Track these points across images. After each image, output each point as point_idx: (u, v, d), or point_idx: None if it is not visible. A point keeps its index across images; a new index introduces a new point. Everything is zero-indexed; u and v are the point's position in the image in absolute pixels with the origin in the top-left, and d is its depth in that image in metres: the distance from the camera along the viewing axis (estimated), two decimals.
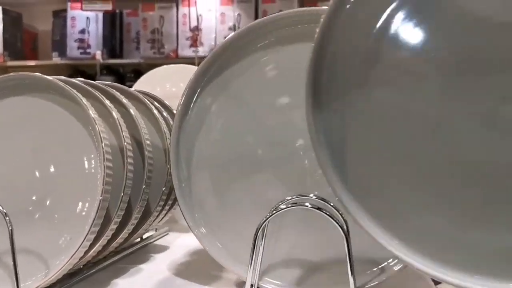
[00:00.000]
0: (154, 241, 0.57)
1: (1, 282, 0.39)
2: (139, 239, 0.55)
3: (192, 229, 0.42)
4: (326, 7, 0.42)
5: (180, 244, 0.56)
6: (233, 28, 2.62)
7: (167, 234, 0.60)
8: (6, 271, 0.39)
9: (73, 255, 0.38)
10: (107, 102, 0.46)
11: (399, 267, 0.40)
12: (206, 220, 0.43)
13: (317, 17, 0.42)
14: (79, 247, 0.38)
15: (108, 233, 0.43)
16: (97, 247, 0.42)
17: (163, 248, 0.55)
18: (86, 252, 0.40)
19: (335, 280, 0.40)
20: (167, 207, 0.53)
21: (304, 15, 0.43)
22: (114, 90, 0.50)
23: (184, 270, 0.48)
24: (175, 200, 0.53)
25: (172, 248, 0.55)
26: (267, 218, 0.38)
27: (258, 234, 0.38)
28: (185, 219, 0.43)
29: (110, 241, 0.44)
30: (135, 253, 0.53)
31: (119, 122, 0.44)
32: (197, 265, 0.49)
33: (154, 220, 0.52)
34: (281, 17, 0.43)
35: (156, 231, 0.59)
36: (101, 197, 0.39)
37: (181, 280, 0.44)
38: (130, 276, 0.46)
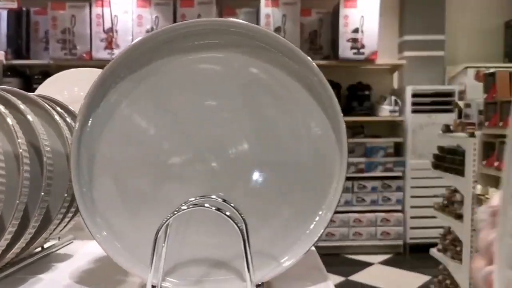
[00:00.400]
0: (57, 250, 0.55)
1: None
2: (40, 249, 0.53)
3: (93, 234, 0.42)
4: (237, 20, 0.44)
5: (84, 252, 0.55)
6: (151, 30, 2.59)
7: (72, 242, 0.59)
8: None
9: None
10: (1, 107, 0.44)
11: (294, 261, 0.43)
12: (108, 224, 0.43)
13: (228, 27, 0.44)
14: None
15: (2, 243, 0.41)
16: None
17: (66, 257, 0.53)
18: None
19: (235, 274, 0.43)
20: (70, 214, 0.52)
21: (218, 24, 0.44)
22: (11, 95, 0.48)
23: (87, 277, 0.47)
24: None
25: (76, 256, 0.54)
26: (168, 219, 0.39)
27: (159, 235, 0.39)
28: (85, 224, 0.42)
29: (5, 251, 0.43)
30: (36, 263, 0.51)
31: (14, 129, 0.43)
32: (101, 272, 0.49)
33: (55, 228, 0.51)
34: (196, 24, 0.43)
35: (59, 239, 0.57)
36: None
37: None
38: (28, 286, 0.44)
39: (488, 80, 2.14)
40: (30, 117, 0.47)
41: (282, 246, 0.44)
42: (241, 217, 0.41)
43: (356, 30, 2.71)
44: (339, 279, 2.40)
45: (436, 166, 2.62)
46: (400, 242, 2.83)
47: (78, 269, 0.49)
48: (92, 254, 0.53)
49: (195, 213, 0.43)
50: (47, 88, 0.87)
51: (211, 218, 0.44)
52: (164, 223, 0.38)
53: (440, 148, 2.59)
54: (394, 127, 3.00)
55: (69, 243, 0.58)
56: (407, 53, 2.97)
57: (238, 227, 0.39)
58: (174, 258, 0.43)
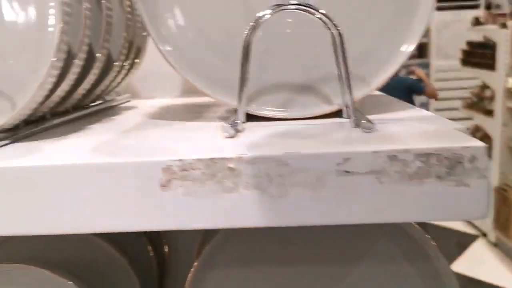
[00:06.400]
0: (118, 104, 0.54)
1: None
2: (101, 101, 0.52)
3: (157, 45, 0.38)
4: None
5: (147, 104, 0.54)
6: None
7: (129, 101, 0.58)
8: None
9: (37, 92, 0.35)
10: None
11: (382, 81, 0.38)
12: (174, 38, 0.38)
13: None
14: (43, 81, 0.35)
15: (71, 77, 0.39)
16: (59, 92, 0.39)
17: (129, 108, 0.52)
18: (51, 91, 0.37)
19: (321, 99, 0.39)
20: (129, 61, 0.50)
21: None
22: None
23: (160, 113, 0.45)
24: (138, 54, 0.50)
25: (140, 108, 0.52)
26: (251, 30, 0.34)
27: (244, 50, 0.34)
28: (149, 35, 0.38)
29: (74, 87, 0.41)
30: (99, 113, 0.50)
31: None
32: (170, 113, 0.47)
33: (116, 76, 0.49)
34: None
35: (117, 96, 0.55)
36: (61, 25, 0.35)
37: (161, 121, 0.42)
38: (100, 124, 0.43)
39: None
40: None
41: (373, 64, 0.38)
42: (333, 23, 0.35)
43: None
44: None
45: (464, 62, 2.51)
46: None
47: (146, 115, 0.47)
48: (155, 107, 0.51)
49: (275, 30, 0.38)
50: None
51: (289, 38, 0.39)
52: (250, 32, 0.35)
53: (469, 43, 2.46)
54: None
55: (127, 101, 0.57)
56: None
57: (331, 32, 0.34)
58: (255, 85, 0.38)
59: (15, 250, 0.46)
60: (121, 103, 0.55)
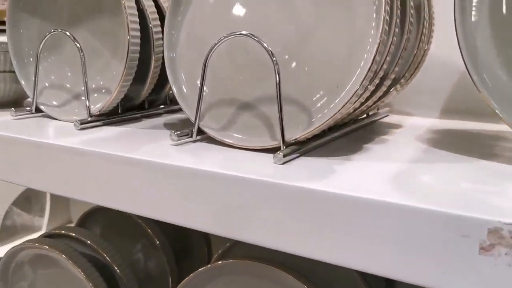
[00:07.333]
0: (379, 119, 0.52)
1: (261, 131, 0.37)
2: (365, 115, 0.50)
3: None
4: None
5: (409, 123, 0.50)
6: None
7: (387, 115, 0.55)
8: (264, 119, 0.38)
9: (340, 110, 0.34)
10: None
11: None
12: None
13: None
14: (347, 101, 0.34)
15: (365, 96, 0.38)
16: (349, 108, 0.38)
17: (393, 126, 0.49)
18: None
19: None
20: (406, 78, 0.47)
21: None
22: None
23: (438, 140, 0.41)
24: (414, 71, 0.46)
25: (405, 128, 0.49)
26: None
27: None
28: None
29: (361, 104, 0.40)
30: (365, 128, 0.48)
31: None
32: (452, 139, 0.42)
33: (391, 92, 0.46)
34: None
35: (377, 110, 0.53)
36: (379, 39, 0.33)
37: (447, 152, 0.38)
38: (376, 145, 0.41)
39: None
40: None
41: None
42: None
43: None
44: None
45: None
46: None
47: (421, 140, 0.44)
48: (425, 130, 0.47)
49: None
50: None
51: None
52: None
53: None
54: None
55: (385, 116, 0.54)
56: None
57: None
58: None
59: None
60: (381, 118, 0.53)
